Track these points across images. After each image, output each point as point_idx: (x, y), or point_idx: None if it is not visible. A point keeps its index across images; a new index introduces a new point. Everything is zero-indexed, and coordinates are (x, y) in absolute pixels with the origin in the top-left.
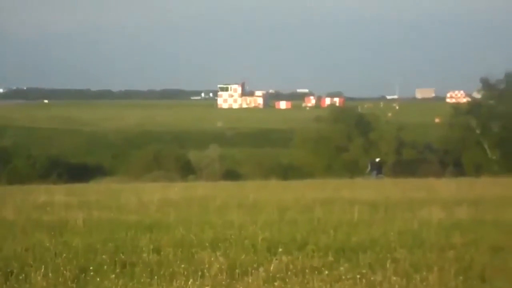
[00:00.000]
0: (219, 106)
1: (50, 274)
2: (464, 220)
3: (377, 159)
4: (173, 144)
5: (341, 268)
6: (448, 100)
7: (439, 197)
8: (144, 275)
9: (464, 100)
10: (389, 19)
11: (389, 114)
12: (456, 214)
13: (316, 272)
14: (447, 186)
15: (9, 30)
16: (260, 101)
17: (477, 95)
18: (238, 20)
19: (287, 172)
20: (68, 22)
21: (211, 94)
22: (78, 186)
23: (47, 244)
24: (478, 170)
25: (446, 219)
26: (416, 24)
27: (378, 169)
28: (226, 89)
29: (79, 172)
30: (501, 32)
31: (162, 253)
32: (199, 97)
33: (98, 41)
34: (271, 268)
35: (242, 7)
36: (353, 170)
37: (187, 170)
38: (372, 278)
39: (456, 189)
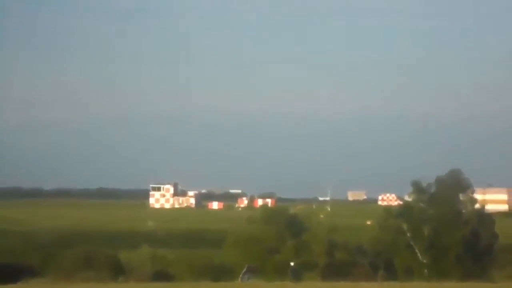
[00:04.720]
0: (151, 206)
1: None
2: None
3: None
4: (105, 244)
5: None
6: (380, 202)
7: None
8: None
9: (396, 203)
10: (321, 121)
11: (321, 216)
12: None
13: None
14: None
15: None
16: (192, 201)
17: (408, 199)
18: (172, 119)
19: (219, 273)
20: None
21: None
22: None
23: None
24: (409, 273)
25: None
26: (348, 126)
27: (252, 272)
28: (159, 189)
29: (8, 274)
30: (432, 136)
31: None
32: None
33: (28, 137)
34: None
35: (176, 105)
36: (284, 272)
37: (118, 271)
38: None
39: None
